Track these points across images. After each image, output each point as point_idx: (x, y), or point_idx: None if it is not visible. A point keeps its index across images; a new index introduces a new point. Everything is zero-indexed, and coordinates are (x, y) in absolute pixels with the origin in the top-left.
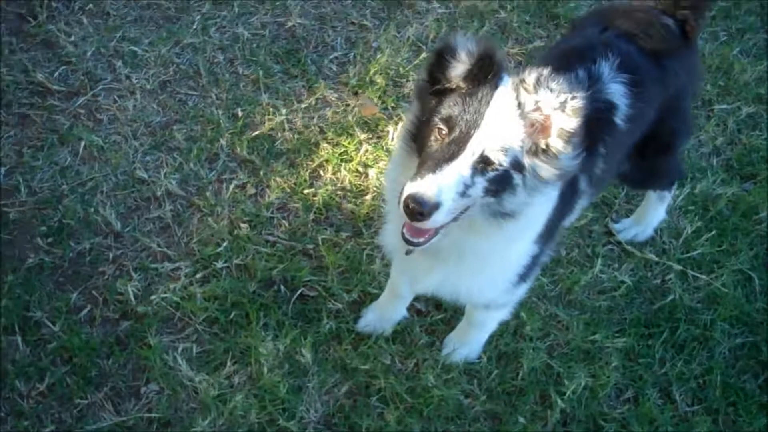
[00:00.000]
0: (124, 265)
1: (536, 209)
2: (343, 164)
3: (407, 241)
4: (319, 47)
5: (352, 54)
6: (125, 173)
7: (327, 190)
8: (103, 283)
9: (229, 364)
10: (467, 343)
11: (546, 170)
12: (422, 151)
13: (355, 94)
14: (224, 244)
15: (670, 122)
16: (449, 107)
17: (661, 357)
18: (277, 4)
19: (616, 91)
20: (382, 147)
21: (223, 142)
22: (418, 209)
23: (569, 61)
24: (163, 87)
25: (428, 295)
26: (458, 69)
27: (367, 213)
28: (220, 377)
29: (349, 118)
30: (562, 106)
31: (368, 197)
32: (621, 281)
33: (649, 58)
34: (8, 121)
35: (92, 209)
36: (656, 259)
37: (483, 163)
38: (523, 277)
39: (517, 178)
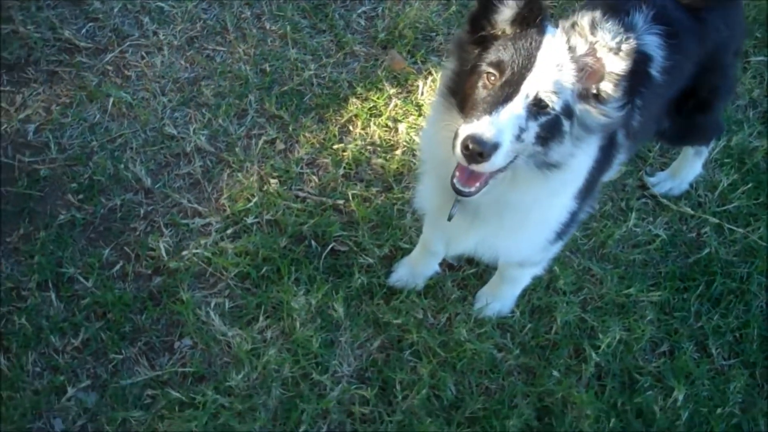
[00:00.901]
0: (155, 221)
1: (579, 161)
2: (373, 119)
3: (458, 191)
4: (347, 1)
5: (381, 8)
6: (154, 129)
7: (356, 145)
8: (134, 239)
9: (261, 318)
10: (500, 297)
11: (594, 117)
12: (465, 102)
13: (384, 48)
14: (254, 199)
15: (710, 78)
16: (498, 52)
17: (697, 310)
18: None
19: (651, 43)
20: (412, 102)
21: (251, 97)
22: (478, 150)
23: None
24: (191, 43)
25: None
26: (506, 13)
27: (397, 168)
28: (253, 332)
29: (378, 72)
30: (617, 47)
31: (398, 152)
32: (655, 235)
33: (686, 11)
34: (37, 78)
35: (122, 166)
36: (692, 212)
37: (536, 106)
38: (560, 235)
39: (566, 125)
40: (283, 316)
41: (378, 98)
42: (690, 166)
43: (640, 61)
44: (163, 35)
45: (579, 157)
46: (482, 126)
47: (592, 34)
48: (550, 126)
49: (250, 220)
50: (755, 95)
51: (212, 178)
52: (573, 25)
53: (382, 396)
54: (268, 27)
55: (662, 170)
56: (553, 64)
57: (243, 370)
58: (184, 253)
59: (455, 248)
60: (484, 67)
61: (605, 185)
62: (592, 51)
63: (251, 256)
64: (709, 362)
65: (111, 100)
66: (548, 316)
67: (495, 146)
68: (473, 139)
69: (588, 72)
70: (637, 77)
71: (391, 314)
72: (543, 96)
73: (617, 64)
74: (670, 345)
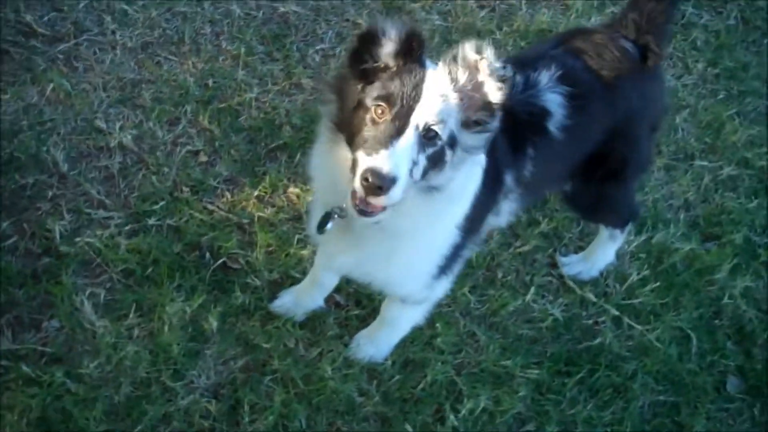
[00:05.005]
0: (59, 205)
1: (459, 183)
2: (300, 149)
3: (362, 213)
4: (308, 37)
5: (339, 49)
6: (85, 120)
7: (278, 171)
8: (35, 218)
9: (132, 315)
10: (376, 342)
11: (471, 140)
12: (354, 136)
13: None
14: (161, 203)
15: (620, 148)
16: (385, 85)
17: (573, 397)
18: None
19: (552, 100)
20: None
21: (188, 108)
22: (377, 183)
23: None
24: (145, 47)
25: (348, 278)
26: (388, 47)
27: (311, 201)
28: (121, 326)
29: (319, 107)
30: (493, 73)
31: None
32: (551, 314)
33: (597, 76)
34: None
35: (45, 148)
36: (594, 299)
37: (425, 137)
38: (443, 269)
39: (448, 154)
40: (155, 317)
41: (312, 131)
42: (603, 251)
43: (538, 114)
44: (120, 36)
45: (458, 179)
46: (381, 160)
47: (474, 59)
48: (436, 158)
49: (152, 221)
50: (690, 198)
51: (127, 175)
52: (454, 58)
53: (231, 415)
54: (224, 46)
55: (576, 254)
56: (439, 95)
57: (99, 360)
58: (77, 239)
59: (334, 264)
60: (371, 101)
61: (515, 256)
62: (473, 80)
63: (142, 255)
64: None
65: (51, 85)
66: (420, 371)
67: (393, 180)
68: (373, 172)
69: (469, 102)
70: (531, 128)
71: (263, 337)
72: (432, 126)
73: (495, 94)
74: (537, 426)
